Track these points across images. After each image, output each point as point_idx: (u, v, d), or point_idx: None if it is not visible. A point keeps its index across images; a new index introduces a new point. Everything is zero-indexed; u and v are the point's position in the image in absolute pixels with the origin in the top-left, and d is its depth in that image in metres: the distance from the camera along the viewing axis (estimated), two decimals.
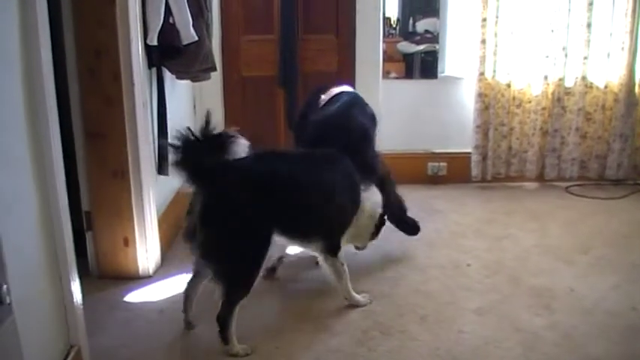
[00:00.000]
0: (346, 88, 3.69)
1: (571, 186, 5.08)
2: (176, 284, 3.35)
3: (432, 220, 4.34)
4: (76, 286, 2.45)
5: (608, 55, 4.86)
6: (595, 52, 4.86)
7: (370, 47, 4.92)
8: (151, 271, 3.45)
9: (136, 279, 3.39)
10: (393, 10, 5.09)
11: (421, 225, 3.82)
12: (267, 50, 4.91)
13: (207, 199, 2.62)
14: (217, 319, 2.70)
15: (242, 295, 2.70)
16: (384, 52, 5.03)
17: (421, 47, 5.11)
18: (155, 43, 3.34)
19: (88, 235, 3.37)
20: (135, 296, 3.25)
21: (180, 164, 2.61)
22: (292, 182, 2.83)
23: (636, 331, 2.93)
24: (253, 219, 2.67)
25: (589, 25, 4.78)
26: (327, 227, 3.02)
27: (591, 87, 4.94)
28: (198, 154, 2.61)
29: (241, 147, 2.71)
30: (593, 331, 2.93)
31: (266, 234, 2.73)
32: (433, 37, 5.09)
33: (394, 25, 5.12)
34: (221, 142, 2.67)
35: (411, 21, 5.11)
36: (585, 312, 3.10)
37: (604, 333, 2.91)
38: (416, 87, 5.14)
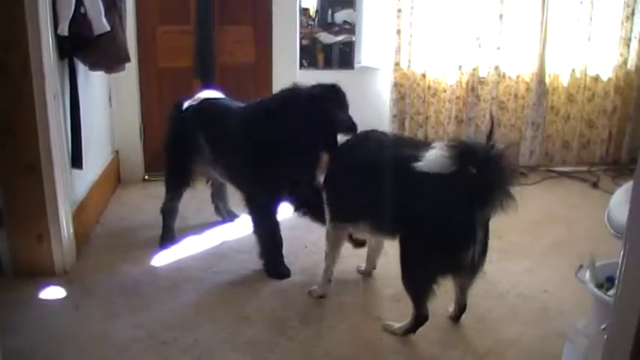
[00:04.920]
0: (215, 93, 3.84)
1: None
2: (92, 280, 3.30)
3: None
4: None
5: (520, 45, 5.00)
6: (507, 43, 5.00)
7: (287, 38, 4.92)
8: (66, 267, 3.37)
9: (52, 275, 3.31)
10: (312, 1, 5.12)
11: None
12: (184, 41, 4.85)
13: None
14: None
15: None
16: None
17: (340, 38, 5.14)
18: (66, 33, 3.25)
19: (1, 232, 3.27)
20: (50, 293, 3.18)
21: None
22: None
23: (548, 313, 3.05)
24: None
25: (501, 16, 4.91)
26: None
27: (504, 76, 5.08)
28: None
29: None
30: (506, 314, 3.03)
31: None
32: (351, 28, 5.13)
33: (313, 16, 5.15)
34: None
35: (329, 12, 5.15)
36: (499, 295, 3.21)
37: (517, 315, 3.02)
38: (333, 77, 5.08)
